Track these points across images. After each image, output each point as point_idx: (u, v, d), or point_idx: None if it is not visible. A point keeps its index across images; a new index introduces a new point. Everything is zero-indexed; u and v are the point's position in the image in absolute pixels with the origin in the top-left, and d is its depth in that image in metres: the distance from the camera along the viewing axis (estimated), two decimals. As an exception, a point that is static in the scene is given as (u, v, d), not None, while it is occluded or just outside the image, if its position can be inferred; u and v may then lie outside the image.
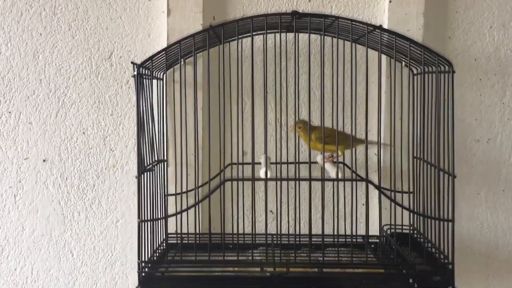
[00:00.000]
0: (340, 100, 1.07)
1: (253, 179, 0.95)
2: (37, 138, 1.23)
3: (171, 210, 1.15)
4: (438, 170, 1.01)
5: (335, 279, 0.93)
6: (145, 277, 0.93)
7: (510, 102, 1.25)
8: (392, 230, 1.09)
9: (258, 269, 0.95)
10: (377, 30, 0.95)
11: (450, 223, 0.95)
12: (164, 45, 1.21)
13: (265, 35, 0.99)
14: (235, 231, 1.12)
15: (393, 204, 0.99)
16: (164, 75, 1.17)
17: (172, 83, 1.18)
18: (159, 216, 1.05)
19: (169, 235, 1.15)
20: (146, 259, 0.97)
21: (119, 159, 1.24)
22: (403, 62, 1.13)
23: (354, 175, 1.05)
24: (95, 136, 1.24)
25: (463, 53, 1.25)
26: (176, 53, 1.03)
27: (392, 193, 1.06)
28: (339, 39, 1.00)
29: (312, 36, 1.15)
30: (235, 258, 0.97)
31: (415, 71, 1.15)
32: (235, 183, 1.05)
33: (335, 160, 1.08)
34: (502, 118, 1.26)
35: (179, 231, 1.08)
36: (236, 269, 0.96)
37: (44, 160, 1.23)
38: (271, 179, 0.95)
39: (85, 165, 1.24)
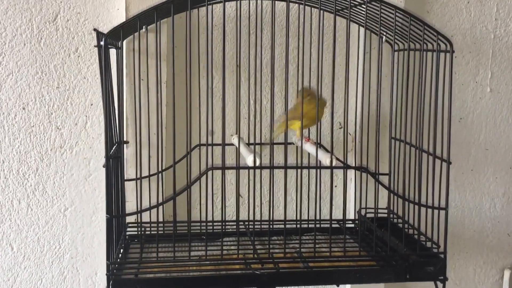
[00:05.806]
0: (314, 75, 0.99)
1: (238, 167, 0.85)
2: (-35, 114, 1.04)
3: (130, 197, 1.02)
4: (420, 153, 0.97)
5: (326, 274, 0.87)
6: (116, 281, 0.81)
7: (482, 81, 1.23)
8: (371, 215, 1.04)
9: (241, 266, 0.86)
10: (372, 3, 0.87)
11: (443, 211, 0.90)
12: (121, 7, 1.05)
13: (239, 1, 0.87)
14: (203, 218, 1.03)
15: (372, 187, 0.94)
16: (122, 43, 1.02)
17: (131, 53, 1.03)
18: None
19: (128, 225, 1.03)
20: (114, 260, 0.84)
21: (67, 138, 1.08)
22: (384, 38, 1.06)
23: (343, 161, 0.97)
24: (38, 112, 1.06)
25: (440, 29, 1.19)
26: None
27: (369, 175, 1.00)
28: (319, 10, 0.90)
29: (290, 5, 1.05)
30: (216, 252, 0.87)
31: (396, 47, 1.09)
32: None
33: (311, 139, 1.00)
34: (474, 97, 1.23)
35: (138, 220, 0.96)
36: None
37: (-26, 140, 1.05)
38: (264, 167, 0.85)
39: (26, 146, 1.07)
